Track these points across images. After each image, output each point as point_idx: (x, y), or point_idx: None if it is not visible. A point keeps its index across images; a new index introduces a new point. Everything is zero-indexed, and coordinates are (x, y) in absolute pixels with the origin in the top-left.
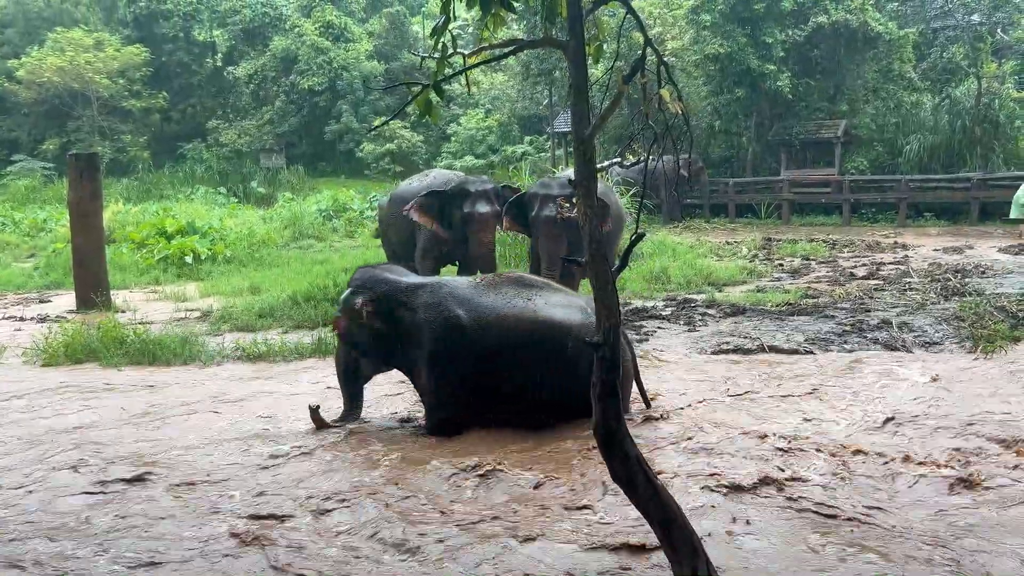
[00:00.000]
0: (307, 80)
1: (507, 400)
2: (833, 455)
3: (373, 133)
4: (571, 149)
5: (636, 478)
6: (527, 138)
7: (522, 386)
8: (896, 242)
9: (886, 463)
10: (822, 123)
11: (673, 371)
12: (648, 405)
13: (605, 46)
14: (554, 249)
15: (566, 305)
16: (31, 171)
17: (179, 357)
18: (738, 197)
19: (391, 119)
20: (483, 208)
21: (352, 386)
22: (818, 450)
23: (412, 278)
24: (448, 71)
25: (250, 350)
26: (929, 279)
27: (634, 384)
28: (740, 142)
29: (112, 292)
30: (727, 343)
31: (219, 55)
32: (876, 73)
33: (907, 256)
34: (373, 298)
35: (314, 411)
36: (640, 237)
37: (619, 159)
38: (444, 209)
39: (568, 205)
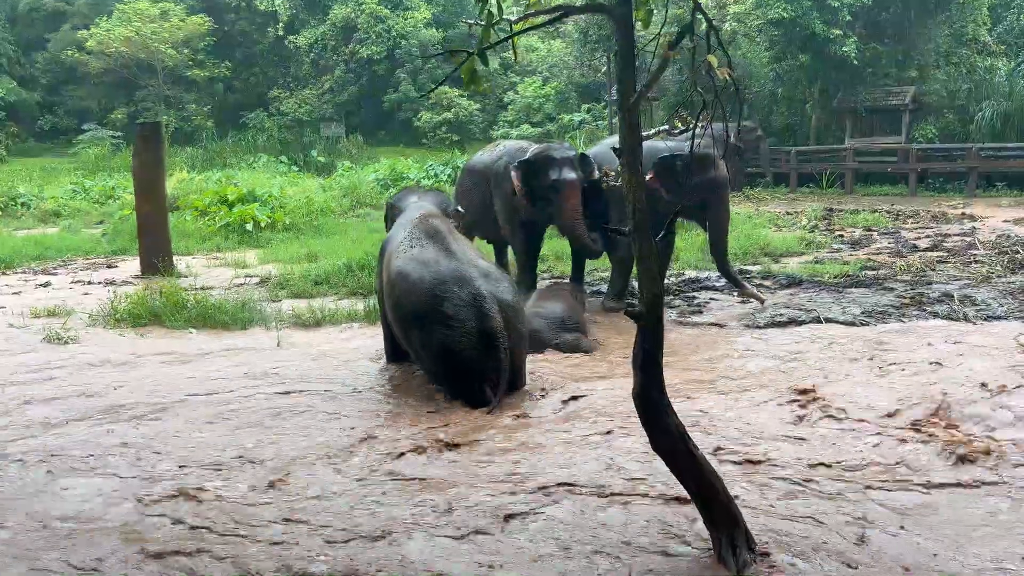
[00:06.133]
0: (366, 49)
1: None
2: None
3: (430, 102)
4: None
5: (677, 449)
6: (584, 106)
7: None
8: (964, 213)
9: None
10: (889, 90)
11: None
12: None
13: (655, 11)
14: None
15: (419, 259)
16: (100, 140)
17: (238, 322)
18: (800, 166)
19: (438, 86)
20: (570, 174)
21: None
22: None
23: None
24: (494, 38)
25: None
26: (996, 251)
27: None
28: (803, 109)
29: (175, 258)
30: (781, 315)
31: (280, 24)
32: (948, 37)
33: (974, 227)
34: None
35: None
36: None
37: (666, 127)
38: (530, 177)
39: (613, 174)
